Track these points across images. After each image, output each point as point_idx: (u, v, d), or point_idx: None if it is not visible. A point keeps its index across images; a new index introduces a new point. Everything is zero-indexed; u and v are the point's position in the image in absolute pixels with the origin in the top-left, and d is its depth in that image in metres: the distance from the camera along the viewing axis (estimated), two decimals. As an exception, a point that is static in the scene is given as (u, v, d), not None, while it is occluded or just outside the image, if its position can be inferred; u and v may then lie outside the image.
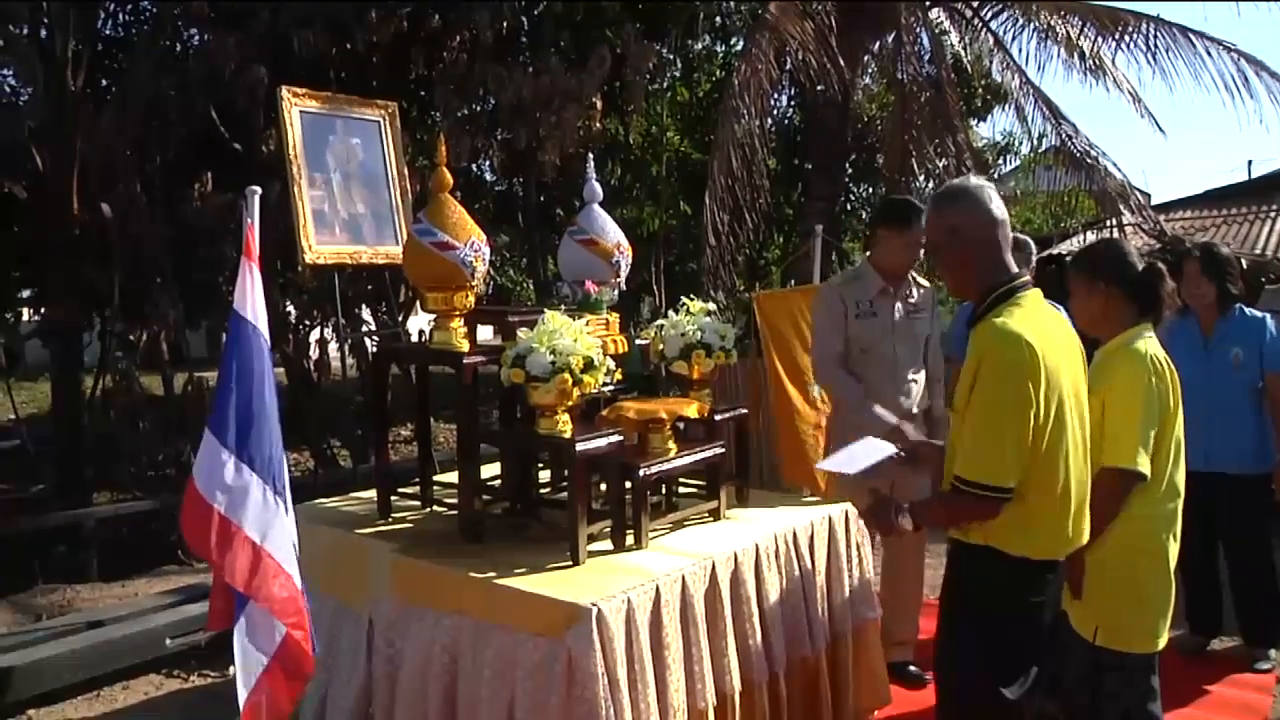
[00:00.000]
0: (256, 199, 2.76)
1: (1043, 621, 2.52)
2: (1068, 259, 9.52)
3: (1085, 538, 2.50)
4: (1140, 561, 2.89)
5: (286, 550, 2.35)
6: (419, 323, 10.49)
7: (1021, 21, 9.90)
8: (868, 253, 4.30)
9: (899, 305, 4.04)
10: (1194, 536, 4.43)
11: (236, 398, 2.40)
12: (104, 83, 9.15)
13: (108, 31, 9.35)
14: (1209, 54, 8.85)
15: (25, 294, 10.07)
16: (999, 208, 2.47)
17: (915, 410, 4.03)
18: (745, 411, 3.66)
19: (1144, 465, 2.81)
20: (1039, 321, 2.40)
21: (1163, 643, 2.94)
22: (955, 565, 2.55)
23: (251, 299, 2.47)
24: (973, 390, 2.35)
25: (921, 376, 4.08)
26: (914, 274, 4.16)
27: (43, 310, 9.36)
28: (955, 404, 2.47)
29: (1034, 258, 4.55)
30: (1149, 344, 2.94)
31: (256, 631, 2.29)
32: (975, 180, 2.53)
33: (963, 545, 2.48)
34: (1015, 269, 2.49)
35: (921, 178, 10.27)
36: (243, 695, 2.25)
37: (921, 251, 4.01)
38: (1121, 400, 2.76)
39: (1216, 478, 4.22)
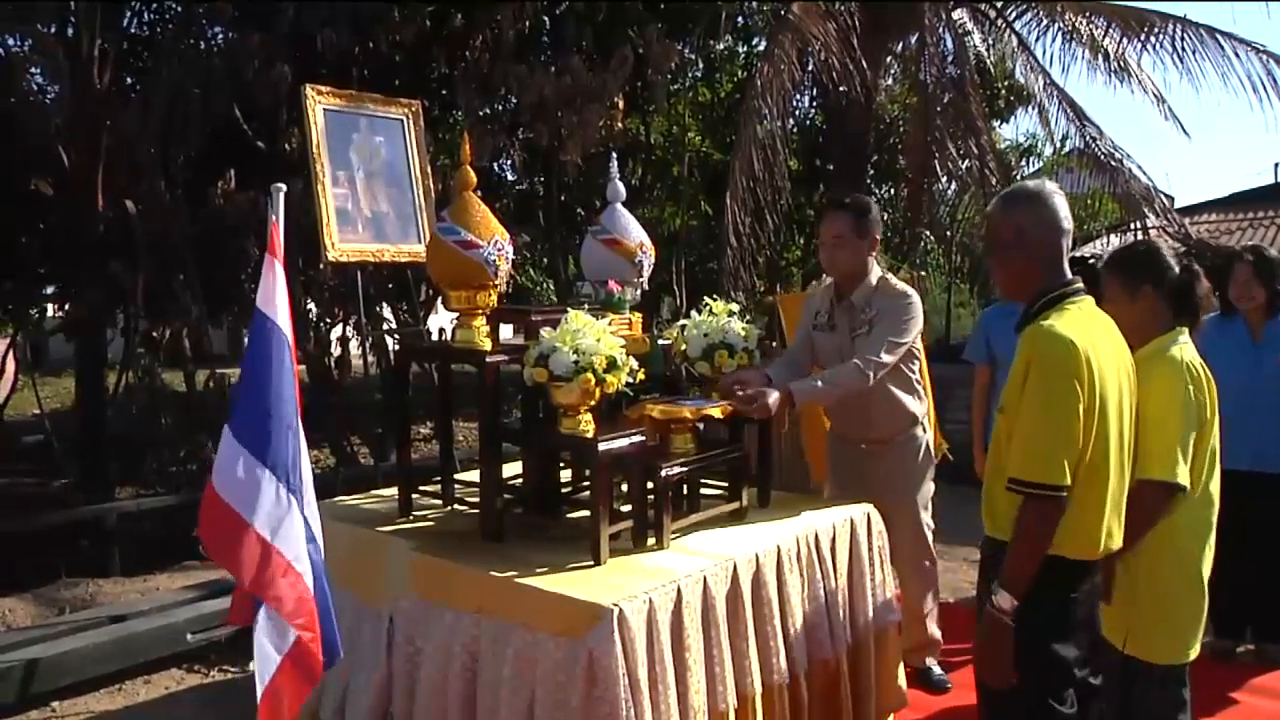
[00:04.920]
0: (282, 196, 2.75)
1: (1080, 623, 2.48)
2: (1090, 261, 9.46)
3: (1118, 542, 2.48)
4: (1173, 572, 2.85)
5: (299, 549, 2.35)
6: (439, 321, 10.53)
7: (1045, 22, 9.83)
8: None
9: (849, 319, 3.75)
10: (1228, 538, 4.41)
11: (255, 395, 2.40)
12: (129, 81, 9.23)
13: (133, 30, 9.43)
14: (1237, 55, 8.76)
15: (49, 290, 10.15)
16: (1067, 216, 2.50)
17: (881, 434, 3.86)
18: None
19: (1184, 477, 2.76)
20: (1087, 326, 2.41)
21: (1194, 654, 2.90)
22: (989, 565, 2.53)
23: (274, 296, 2.48)
24: (1023, 392, 2.36)
25: (885, 398, 3.77)
26: (887, 278, 3.79)
27: (67, 306, 9.44)
28: (1004, 406, 2.47)
29: None
30: (1185, 350, 2.88)
31: (273, 628, 2.29)
32: (1050, 185, 2.54)
33: (996, 544, 2.46)
34: (1070, 276, 2.50)
35: (944, 179, 10.22)
36: (260, 691, 2.26)
37: (854, 256, 3.71)
38: (1159, 410, 2.70)
39: (1260, 478, 4.23)
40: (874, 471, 3.91)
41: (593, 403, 2.97)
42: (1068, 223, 2.49)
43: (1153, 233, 9.44)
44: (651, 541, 3.06)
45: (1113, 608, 2.88)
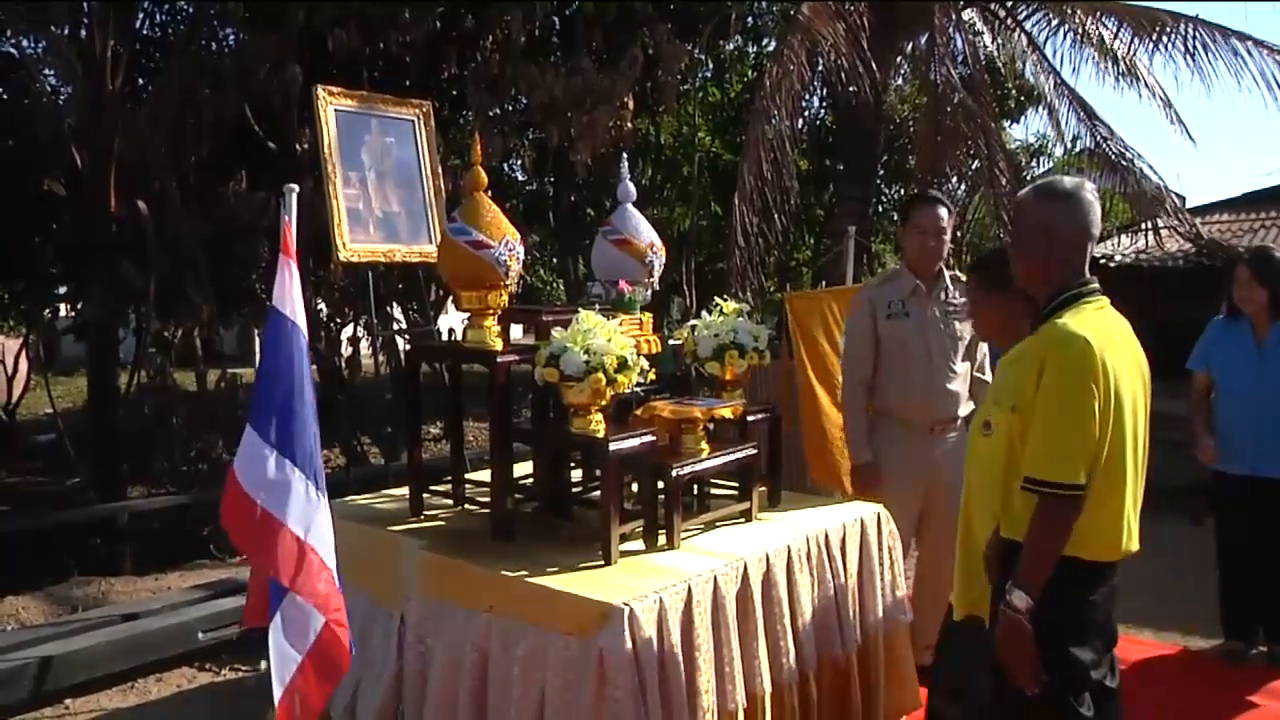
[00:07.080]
0: (294, 196, 2.77)
1: (1098, 626, 2.47)
2: (1102, 262, 9.41)
3: (1136, 544, 2.45)
4: None
5: (328, 545, 2.37)
6: (450, 321, 10.56)
7: (1056, 22, 9.81)
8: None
9: (935, 306, 3.99)
10: (1236, 542, 4.40)
11: (277, 393, 2.41)
12: (141, 82, 9.27)
13: (145, 31, 9.48)
14: (1250, 54, 8.73)
15: (62, 290, 10.21)
16: (1096, 220, 2.47)
17: (952, 414, 3.99)
18: (778, 413, 3.65)
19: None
20: (1103, 325, 2.39)
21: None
22: (1003, 566, 2.51)
23: (290, 295, 2.49)
24: (1038, 392, 2.34)
25: (960, 380, 4.01)
26: (957, 274, 4.12)
27: (79, 306, 9.49)
28: (1018, 405, 2.42)
29: None
30: None
31: (291, 629, 2.29)
32: (1086, 184, 2.50)
33: (1011, 545, 2.44)
34: (1088, 276, 2.47)
35: (954, 179, 10.20)
36: (277, 693, 2.26)
37: (945, 248, 4.01)
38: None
39: (1265, 483, 4.19)
40: (945, 458, 3.96)
41: (603, 402, 2.97)
42: (1096, 227, 2.46)
43: (1164, 233, 9.42)
44: (662, 541, 3.07)
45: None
